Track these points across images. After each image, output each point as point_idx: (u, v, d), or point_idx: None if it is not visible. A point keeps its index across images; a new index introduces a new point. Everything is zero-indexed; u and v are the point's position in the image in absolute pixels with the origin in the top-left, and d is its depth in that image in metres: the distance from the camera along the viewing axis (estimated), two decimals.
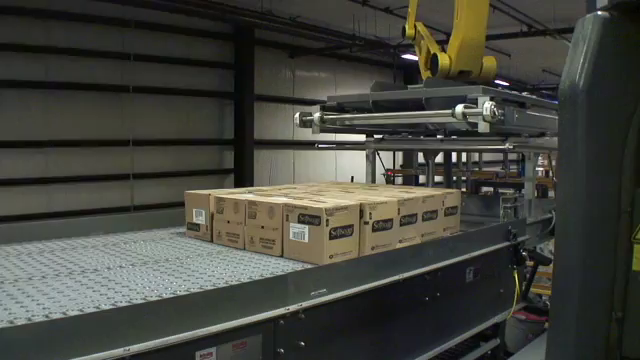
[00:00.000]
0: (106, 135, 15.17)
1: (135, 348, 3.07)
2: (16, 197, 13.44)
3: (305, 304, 3.87)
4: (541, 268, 7.52)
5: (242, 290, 3.70)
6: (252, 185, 17.13)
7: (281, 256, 4.87)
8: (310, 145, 20.15)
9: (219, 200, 5.46)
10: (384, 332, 4.74)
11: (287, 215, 4.84)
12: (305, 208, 4.72)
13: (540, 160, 19.86)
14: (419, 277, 4.92)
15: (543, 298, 10.09)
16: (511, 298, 6.37)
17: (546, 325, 8.28)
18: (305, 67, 20.33)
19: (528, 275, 6.96)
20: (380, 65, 22.70)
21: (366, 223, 4.88)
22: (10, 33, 13.19)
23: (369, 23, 17.23)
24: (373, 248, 4.92)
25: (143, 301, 3.51)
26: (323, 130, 7.22)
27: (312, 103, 19.80)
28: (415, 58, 19.68)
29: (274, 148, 19.44)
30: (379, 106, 7.06)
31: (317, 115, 7.31)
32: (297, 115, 7.35)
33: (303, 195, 5.59)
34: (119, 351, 3.02)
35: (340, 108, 7.56)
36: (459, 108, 5.68)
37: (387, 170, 21.54)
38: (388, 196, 5.45)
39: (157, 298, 3.57)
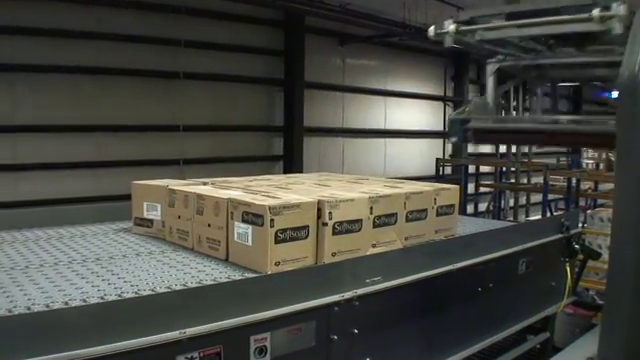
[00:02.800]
0: (156, 121, 15.28)
1: (191, 331, 3.10)
2: (65, 181, 13.56)
3: (360, 291, 3.88)
4: (589, 262, 7.38)
5: (297, 276, 3.71)
6: (302, 172, 17.19)
7: (226, 260, 4.39)
8: (360, 133, 20.25)
9: (171, 192, 5.02)
10: (435, 322, 4.73)
11: (232, 212, 4.32)
12: (248, 205, 4.17)
13: (590, 151, 19.73)
14: (472, 267, 4.89)
15: (590, 292, 10.01)
16: (562, 291, 6.32)
17: (594, 320, 8.23)
18: (355, 55, 20.21)
19: (577, 269, 6.85)
20: (431, 54, 22.53)
21: (325, 224, 4.26)
22: (61, 20, 13.31)
23: (419, 11, 17.10)
24: (334, 254, 4.30)
25: (198, 285, 3.56)
26: (457, 42, 6.20)
27: (362, 91, 19.85)
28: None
29: (324, 136, 19.41)
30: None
31: (452, 26, 6.31)
32: (432, 28, 6.41)
33: (270, 188, 5.10)
34: (175, 334, 3.05)
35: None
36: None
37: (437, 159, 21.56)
38: (366, 191, 4.86)
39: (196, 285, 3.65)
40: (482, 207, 23.86)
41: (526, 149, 27.93)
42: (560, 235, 6.11)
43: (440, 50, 21.94)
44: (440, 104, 23.74)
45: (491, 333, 5.37)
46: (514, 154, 27.09)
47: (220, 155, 16.35)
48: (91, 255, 4.45)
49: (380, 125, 21.40)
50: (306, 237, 4.19)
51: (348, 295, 3.80)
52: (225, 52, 16.51)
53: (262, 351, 3.43)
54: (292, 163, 17.62)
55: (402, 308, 4.36)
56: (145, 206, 5.23)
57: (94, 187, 13.76)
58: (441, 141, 23.21)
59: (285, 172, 17.32)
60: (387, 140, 21.60)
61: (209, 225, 4.53)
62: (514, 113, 6.75)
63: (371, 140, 21.04)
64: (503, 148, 27.47)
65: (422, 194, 5.15)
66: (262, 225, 4.01)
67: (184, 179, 5.84)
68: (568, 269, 6.32)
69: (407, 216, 4.95)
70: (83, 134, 14.12)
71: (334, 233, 4.30)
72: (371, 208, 4.59)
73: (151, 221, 5.19)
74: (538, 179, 22.32)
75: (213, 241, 4.49)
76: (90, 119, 14.08)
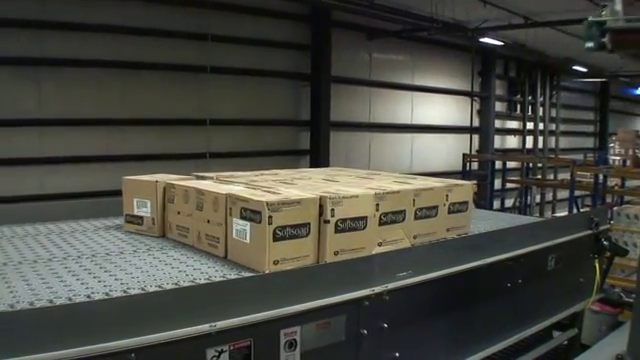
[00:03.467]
0: (183, 114, 15.39)
1: (221, 324, 3.09)
2: (91, 174, 13.64)
3: (390, 286, 3.86)
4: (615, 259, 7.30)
5: (327, 270, 3.70)
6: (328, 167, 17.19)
7: (225, 257, 4.18)
8: (387, 128, 20.24)
9: (170, 187, 4.83)
10: (464, 317, 4.69)
11: (230, 208, 4.10)
12: (247, 201, 3.95)
13: (617, 148, 19.65)
14: (502, 263, 4.86)
15: (617, 289, 9.95)
16: (590, 288, 6.27)
17: (620, 317, 8.19)
18: (382, 50, 20.20)
19: (604, 266, 6.78)
20: (458, 49, 22.48)
21: (326, 222, 4.01)
22: (88, 15, 13.42)
23: (447, 6, 17.04)
24: (337, 253, 4.06)
25: (222, 279, 3.57)
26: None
27: (389, 86, 19.86)
28: (493, 42, 19.50)
29: (351, 130, 19.41)
30: None
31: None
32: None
33: (274, 183, 4.87)
34: (205, 327, 3.05)
35: None
36: None
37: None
38: (374, 187, 4.61)
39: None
40: (508, 203, 23.76)
41: (553, 145, 27.89)
42: (589, 231, 6.06)
43: (467, 45, 21.91)
44: (467, 99, 23.64)
45: (520, 329, 5.33)
46: (540, 150, 27.06)
47: (246, 149, 16.37)
48: (87, 251, 4.38)
49: (407, 120, 21.39)
50: (307, 235, 3.97)
51: (379, 289, 3.78)
52: (252, 46, 16.58)
53: (292, 345, 3.43)
54: (318, 158, 17.61)
55: (431, 303, 4.33)
56: (135, 203, 5.03)
57: (120, 180, 13.80)
58: (468, 137, 23.11)
59: (311, 167, 17.36)
60: (414, 135, 21.57)
61: (208, 221, 4.34)
62: None
63: (398, 135, 21.03)
64: (530, 143, 27.41)
65: (432, 190, 4.87)
66: (260, 222, 3.80)
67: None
68: (597, 266, 6.26)
69: (416, 213, 4.69)
70: (109, 127, 14.26)
71: (337, 231, 4.06)
72: (377, 205, 4.35)
73: (141, 218, 4.97)
74: (565, 175, 22.22)
75: (212, 238, 4.29)
76: (116, 113, 14.22)
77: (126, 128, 14.50)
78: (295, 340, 3.44)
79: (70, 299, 3.24)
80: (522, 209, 22.66)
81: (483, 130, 24.67)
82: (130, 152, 14.33)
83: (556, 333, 6.32)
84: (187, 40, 15.25)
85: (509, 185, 23.52)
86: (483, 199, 21.78)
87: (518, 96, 27.34)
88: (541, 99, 28.15)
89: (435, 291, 4.29)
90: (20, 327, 2.65)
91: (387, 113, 20.58)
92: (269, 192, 4.20)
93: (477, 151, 23.98)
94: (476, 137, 24.17)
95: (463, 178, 20.44)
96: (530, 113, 27.79)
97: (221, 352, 3.15)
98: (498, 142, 25.76)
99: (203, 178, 5.30)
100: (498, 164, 22.34)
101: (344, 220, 4.09)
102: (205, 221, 4.36)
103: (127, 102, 14.32)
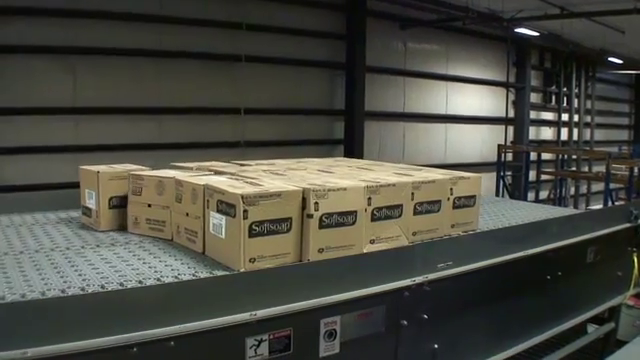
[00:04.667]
0: (218, 103, 15.40)
1: (261, 313, 3.09)
2: (126, 162, 13.66)
3: (431, 276, 3.84)
4: None
5: (369, 259, 3.69)
6: (362, 157, 17.15)
7: (203, 253, 3.96)
8: (421, 118, 20.17)
9: (136, 178, 4.54)
10: (504, 309, 4.69)
11: (208, 200, 3.86)
12: (223, 193, 3.70)
13: None
14: (542, 255, 4.82)
15: None
16: (628, 281, 6.23)
17: None
18: (416, 39, 20.07)
19: None
20: (493, 39, 22.34)
21: (309, 216, 3.73)
22: (123, 3, 13.49)
23: None
24: (321, 251, 3.77)
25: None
26: None
27: (423, 76, 19.81)
28: (529, 32, 19.38)
29: (384, 120, 19.34)
30: None
31: None
32: None
33: (264, 173, 4.61)
34: (245, 315, 3.05)
35: None
36: None
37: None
38: (369, 179, 4.33)
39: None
40: (542, 195, 23.63)
41: (587, 137, 27.69)
42: (628, 224, 6.00)
43: (502, 35, 21.76)
44: (501, 90, 23.51)
45: (558, 322, 5.31)
46: (575, 142, 26.87)
47: (280, 138, 16.40)
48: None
49: (441, 110, 21.27)
50: (288, 231, 3.70)
51: (419, 280, 3.76)
52: (287, 35, 16.55)
53: (332, 335, 3.42)
54: (352, 147, 17.56)
55: (471, 294, 4.31)
56: (86, 194, 4.78)
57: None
58: (502, 127, 23.00)
59: (345, 156, 17.34)
60: (448, 125, 21.47)
61: (187, 214, 4.09)
62: None
63: (432, 125, 20.93)
64: (564, 135, 27.23)
65: (434, 183, 4.54)
66: (235, 216, 3.55)
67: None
68: (635, 259, 6.21)
69: (416, 208, 4.40)
70: (144, 116, 14.32)
71: (321, 226, 3.76)
72: (369, 199, 4.04)
73: (90, 210, 4.71)
74: (599, 168, 22.07)
75: (191, 232, 4.06)
76: (151, 101, 14.27)
77: (161, 117, 14.55)
78: (335, 330, 3.43)
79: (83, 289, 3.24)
80: (556, 201, 22.53)
81: (518, 121, 24.50)
82: (165, 141, 14.37)
83: (590, 328, 6.29)
84: (222, 29, 15.25)
85: (543, 177, 23.39)
86: (517, 190, 21.69)
87: (553, 87, 27.12)
88: (576, 90, 27.89)
89: (475, 282, 4.28)
90: (69, 312, 2.68)
91: (421, 103, 20.47)
92: (250, 184, 3.94)
93: (512, 142, 23.84)
94: (510, 128, 24.02)
95: (498, 169, 20.40)
96: (565, 104, 27.57)
97: (261, 341, 3.15)
98: (533, 133, 25.59)
99: (180, 168, 5.21)
100: (533, 155, 22.21)
101: (330, 215, 3.81)
102: (184, 214, 4.13)
103: (162, 91, 14.35)
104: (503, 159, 21.18)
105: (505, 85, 23.44)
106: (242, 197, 3.50)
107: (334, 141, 18.17)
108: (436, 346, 4.05)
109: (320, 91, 17.80)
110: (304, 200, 3.74)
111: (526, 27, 20.16)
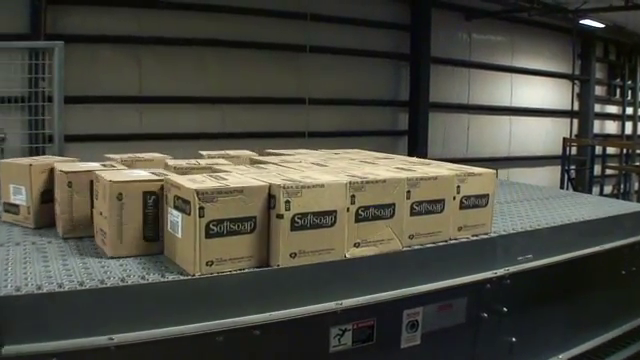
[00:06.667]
0: (282, 93, 15.47)
1: (347, 302, 3.10)
2: (189, 151, 13.77)
3: (512, 269, 3.81)
4: None
5: (451, 251, 3.67)
6: (426, 149, 17.09)
7: (161, 253, 3.49)
8: (485, 110, 20.02)
9: (62, 175, 3.91)
10: (579, 304, 4.66)
11: (166, 196, 3.42)
12: (179, 187, 3.28)
13: None
14: (619, 249, 4.77)
15: None
16: None
17: None
18: (481, 30, 19.88)
19: None
20: (558, 31, 22.06)
21: (280, 217, 3.25)
22: None
23: None
24: (294, 255, 3.29)
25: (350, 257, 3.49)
26: None
27: (488, 67, 19.66)
28: (594, 24, 19.11)
29: (448, 112, 19.23)
30: None
31: None
32: None
33: (244, 167, 4.18)
34: (331, 305, 3.06)
35: None
36: None
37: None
38: (355, 174, 3.75)
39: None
40: (606, 190, 23.33)
41: None
42: None
43: (566, 27, 21.50)
44: (565, 82, 23.23)
45: (632, 317, 5.25)
46: None
47: (344, 129, 16.40)
48: None
49: (506, 102, 21.06)
50: (251, 231, 3.27)
51: (501, 272, 3.75)
52: (351, 26, 16.51)
53: (414, 326, 3.42)
54: (417, 139, 17.53)
55: (549, 288, 4.29)
56: (11, 189, 4.31)
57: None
58: (567, 121, 22.73)
59: (409, 148, 17.38)
60: (512, 118, 21.27)
61: (101, 213, 3.60)
62: None
63: (496, 117, 20.72)
64: (629, 129, 26.85)
65: (436, 180, 3.92)
66: (190, 214, 3.15)
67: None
68: None
69: (413, 208, 3.82)
70: (207, 105, 14.43)
71: (293, 228, 3.29)
72: (352, 197, 3.51)
73: (17, 207, 4.28)
74: None
75: (103, 232, 3.56)
76: (215, 91, 14.38)
77: (225, 106, 14.65)
78: (417, 321, 3.43)
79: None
80: (619, 196, 22.22)
81: (582, 114, 24.19)
82: (229, 130, 14.45)
83: None
84: (287, 19, 15.30)
85: (608, 172, 23.09)
86: (581, 185, 21.44)
87: (617, 80, 26.73)
88: None
89: (553, 276, 4.25)
90: (167, 297, 2.71)
91: (486, 95, 20.26)
92: (213, 178, 3.49)
93: (576, 136, 23.55)
94: (574, 121, 23.75)
95: (562, 163, 20.16)
96: (630, 98, 27.17)
97: (345, 331, 3.16)
98: (597, 127, 25.27)
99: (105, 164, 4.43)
100: (597, 149, 21.92)
101: (304, 215, 3.33)
102: (98, 213, 3.67)
103: (226, 80, 14.45)
104: (568, 152, 20.91)
105: (570, 77, 23.14)
106: (197, 193, 3.10)
107: (398, 132, 18.12)
108: (514, 339, 4.03)
109: (384, 82, 17.74)
110: (272, 197, 3.30)
111: (591, 18, 19.91)
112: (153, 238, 3.47)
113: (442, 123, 18.89)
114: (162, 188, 3.47)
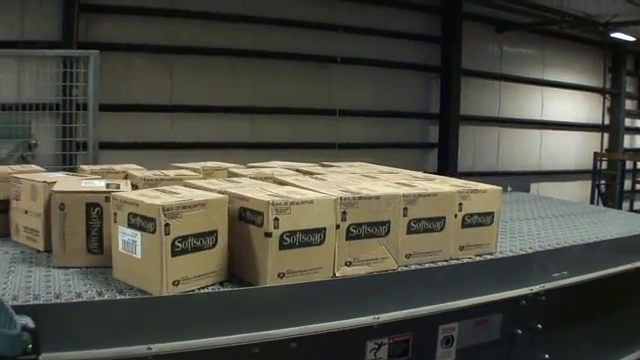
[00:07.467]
0: (312, 104, 15.56)
1: (384, 317, 3.11)
2: (219, 161, 13.83)
3: (547, 285, 3.81)
4: None
5: (487, 267, 3.67)
6: (456, 162, 17.08)
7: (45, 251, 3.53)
8: (516, 123, 19.95)
9: (16, 182, 3.86)
10: (613, 321, 4.63)
11: (115, 214, 3.18)
12: (136, 204, 3.05)
13: None
14: None
15: None
16: None
17: None
18: (512, 43, 19.80)
19: None
20: (588, 44, 21.96)
21: (268, 235, 3.09)
22: (220, 4, 13.81)
23: None
24: (282, 275, 3.16)
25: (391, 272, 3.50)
26: None
27: (519, 80, 19.61)
28: (625, 37, 19.01)
29: (479, 125, 19.18)
30: None
31: None
32: None
33: (221, 181, 3.93)
34: (368, 319, 3.07)
35: None
36: None
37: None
38: (348, 190, 3.56)
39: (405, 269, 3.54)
40: (637, 205, 23.16)
41: None
42: None
43: (597, 40, 21.42)
44: (596, 96, 23.09)
45: None
46: None
47: (375, 141, 16.42)
48: None
49: (536, 116, 20.98)
50: (213, 246, 3.14)
51: (536, 289, 3.74)
52: (382, 38, 16.56)
53: (449, 341, 3.42)
54: (447, 151, 17.55)
55: (583, 305, 4.27)
56: None
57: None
58: (597, 135, 22.60)
59: (439, 161, 17.40)
60: (543, 132, 21.17)
61: (26, 212, 3.63)
62: None
63: (527, 131, 20.63)
64: None
65: (436, 197, 3.78)
66: (154, 232, 2.95)
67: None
68: None
69: (410, 225, 3.67)
70: (238, 115, 14.55)
71: (282, 247, 3.14)
72: (344, 213, 3.35)
73: None
74: None
75: (33, 231, 3.58)
76: (245, 101, 14.49)
77: (255, 116, 14.77)
78: (452, 336, 3.43)
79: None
80: None
81: (613, 128, 24.03)
82: (259, 140, 14.52)
83: None
84: (318, 30, 15.40)
85: (638, 187, 22.94)
86: (610, 200, 21.29)
87: None
88: None
89: (587, 293, 4.23)
90: (187, 309, 2.72)
91: (517, 108, 20.17)
92: (167, 192, 3.28)
93: (606, 150, 23.41)
94: (605, 135, 23.61)
95: (593, 177, 20.05)
96: None
97: (381, 345, 3.17)
98: (627, 141, 25.10)
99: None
100: (628, 164, 21.76)
101: (292, 233, 3.17)
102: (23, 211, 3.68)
103: (257, 90, 14.57)
104: (599, 167, 20.79)
105: (601, 91, 23.03)
106: (163, 209, 2.92)
107: (428, 145, 18.14)
108: (547, 356, 4.02)
109: (415, 94, 17.76)
110: (258, 214, 3.14)
111: (622, 32, 19.83)
112: (98, 252, 3.39)
113: (472, 136, 18.84)
114: (107, 200, 3.31)
